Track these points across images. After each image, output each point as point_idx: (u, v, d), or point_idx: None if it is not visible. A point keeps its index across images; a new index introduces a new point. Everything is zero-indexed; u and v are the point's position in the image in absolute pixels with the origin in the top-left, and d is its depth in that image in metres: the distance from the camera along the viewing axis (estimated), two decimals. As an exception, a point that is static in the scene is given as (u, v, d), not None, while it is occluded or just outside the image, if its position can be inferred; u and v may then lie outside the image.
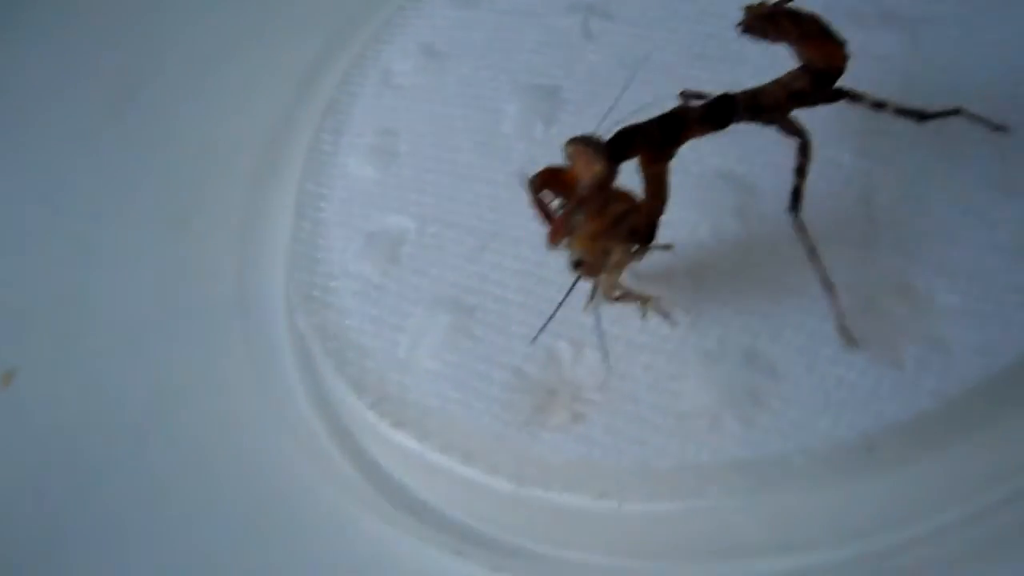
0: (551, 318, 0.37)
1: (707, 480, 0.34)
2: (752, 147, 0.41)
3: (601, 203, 0.34)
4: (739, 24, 0.36)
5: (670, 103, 0.43)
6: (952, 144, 0.38)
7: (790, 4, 0.37)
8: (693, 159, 0.41)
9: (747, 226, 0.39)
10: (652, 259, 0.38)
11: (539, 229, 0.42)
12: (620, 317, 0.38)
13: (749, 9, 0.37)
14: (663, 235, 0.37)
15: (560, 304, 0.36)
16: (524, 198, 0.44)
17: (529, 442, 0.37)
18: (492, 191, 0.44)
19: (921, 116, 0.36)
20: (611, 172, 0.34)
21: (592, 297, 0.37)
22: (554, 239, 0.34)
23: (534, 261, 0.41)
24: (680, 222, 0.39)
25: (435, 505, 0.40)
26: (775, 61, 0.43)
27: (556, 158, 0.45)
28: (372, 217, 0.46)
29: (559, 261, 0.41)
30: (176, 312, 0.49)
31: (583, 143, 0.34)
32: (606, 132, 0.44)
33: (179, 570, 0.43)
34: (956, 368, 0.34)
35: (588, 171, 0.33)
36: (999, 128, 0.38)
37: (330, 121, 0.51)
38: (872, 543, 0.33)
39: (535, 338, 0.38)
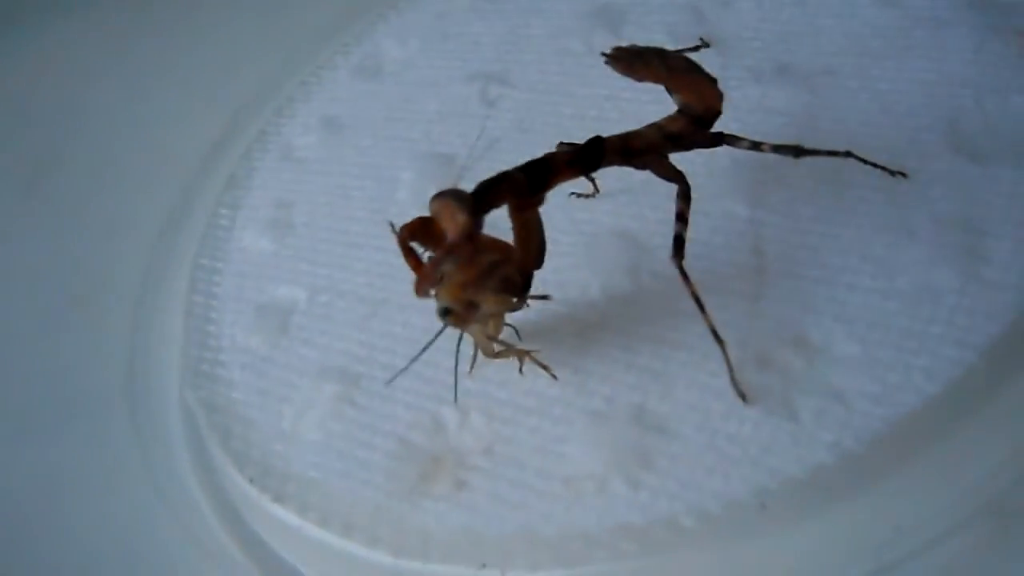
0: (406, 368, 0.35)
1: (594, 546, 0.32)
2: (647, 205, 0.39)
3: (469, 254, 0.33)
4: (604, 55, 0.35)
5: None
6: (848, 193, 0.37)
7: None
8: (586, 219, 0.40)
9: (638, 284, 0.38)
10: (540, 319, 0.37)
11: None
12: (507, 380, 0.36)
13: (618, 48, 0.36)
14: (555, 294, 0.36)
15: (422, 351, 0.34)
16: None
17: (410, 512, 0.35)
18: (383, 258, 0.43)
19: (797, 152, 0.35)
20: (475, 222, 0.32)
21: (475, 358, 0.35)
22: (420, 288, 0.33)
23: (422, 328, 0.39)
24: (571, 282, 0.38)
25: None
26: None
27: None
28: (264, 289, 0.44)
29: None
30: (65, 393, 0.47)
31: (447, 196, 0.32)
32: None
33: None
34: (854, 419, 0.32)
35: (453, 223, 0.32)
36: (896, 174, 0.37)
37: (229, 196, 0.50)
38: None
39: (390, 381, 0.37)
